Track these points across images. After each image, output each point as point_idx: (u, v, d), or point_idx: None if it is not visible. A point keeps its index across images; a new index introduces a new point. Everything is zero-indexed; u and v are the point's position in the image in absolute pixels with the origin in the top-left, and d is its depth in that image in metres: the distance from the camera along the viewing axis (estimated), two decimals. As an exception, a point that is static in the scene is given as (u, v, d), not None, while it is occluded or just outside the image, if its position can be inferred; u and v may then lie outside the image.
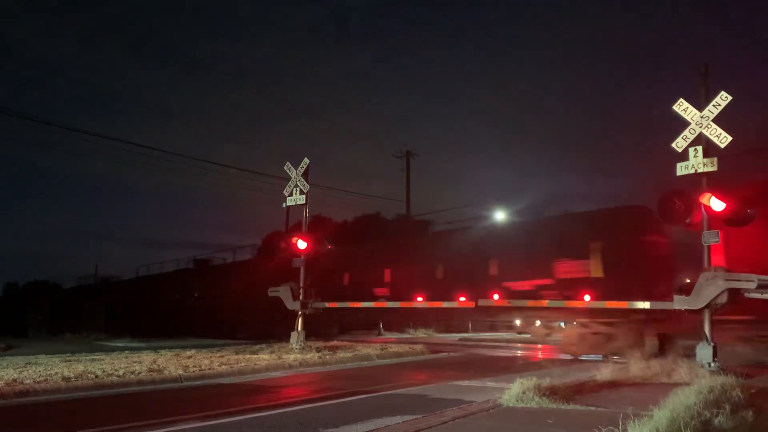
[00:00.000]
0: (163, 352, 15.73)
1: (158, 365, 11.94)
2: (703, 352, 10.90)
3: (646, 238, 14.87)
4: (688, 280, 11.44)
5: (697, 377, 9.47)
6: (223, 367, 12.10)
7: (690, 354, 11.16)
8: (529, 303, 15.81)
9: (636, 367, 10.82)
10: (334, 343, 19.10)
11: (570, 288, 14.86)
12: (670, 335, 13.78)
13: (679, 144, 11.76)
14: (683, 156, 11.73)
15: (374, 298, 19.87)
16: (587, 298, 14.00)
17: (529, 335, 19.16)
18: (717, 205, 11.06)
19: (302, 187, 17.45)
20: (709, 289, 10.91)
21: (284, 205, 17.80)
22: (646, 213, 15.22)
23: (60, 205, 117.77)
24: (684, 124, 11.72)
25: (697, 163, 11.53)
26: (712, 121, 11.39)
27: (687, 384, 8.42)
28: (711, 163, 11.39)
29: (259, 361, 13.26)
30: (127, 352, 16.00)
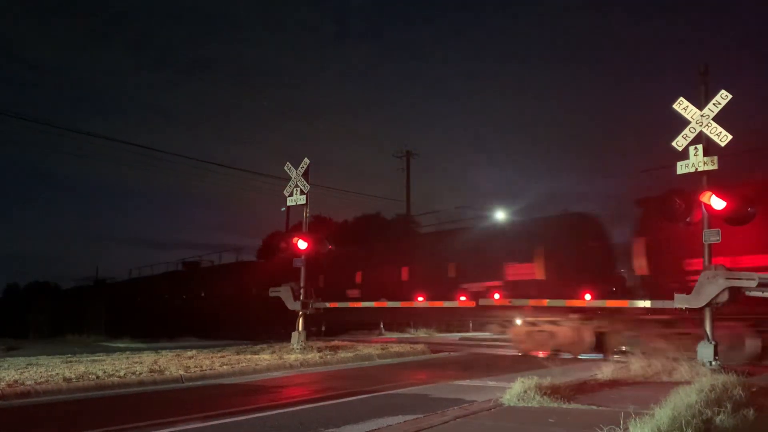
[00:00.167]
0: (164, 352, 15.73)
1: (159, 366, 11.94)
2: (704, 350, 10.89)
3: (584, 242, 16.11)
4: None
5: (698, 376, 9.47)
6: (225, 367, 12.11)
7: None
8: (531, 302, 15.86)
9: (637, 365, 10.83)
10: (335, 343, 19.10)
11: (517, 289, 16.03)
12: (607, 332, 14.81)
13: (679, 143, 11.76)
14: (683, 155, 11.73)
15: (346, 298, 19.95)
16: (589, 298, 14.20)
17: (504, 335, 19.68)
18: (717, 203, 11.06)
19: (302, 188, 17.45)
20: (710, 287, 10.91)
21: (282, 209, 17.89)
22: (587, 219, 16.83)
23: (60, 206, 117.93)
24: (684, 122, 11.72)
25: (697, 161, 11.52)
26: (713, 119, 11.39)
27: (688, 382, 8.42)
28: (711, 161, 11.39)
29: (260, 361, 13.27)
30: (127, 352, 16.00)
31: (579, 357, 15.35)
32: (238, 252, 35.25)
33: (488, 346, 20.59)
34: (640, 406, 6.33)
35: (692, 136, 11.61)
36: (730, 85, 11.47)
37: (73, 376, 10.13)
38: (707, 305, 11.02)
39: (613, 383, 9.56)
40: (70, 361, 13.10)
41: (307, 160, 17.60)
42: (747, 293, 10.95)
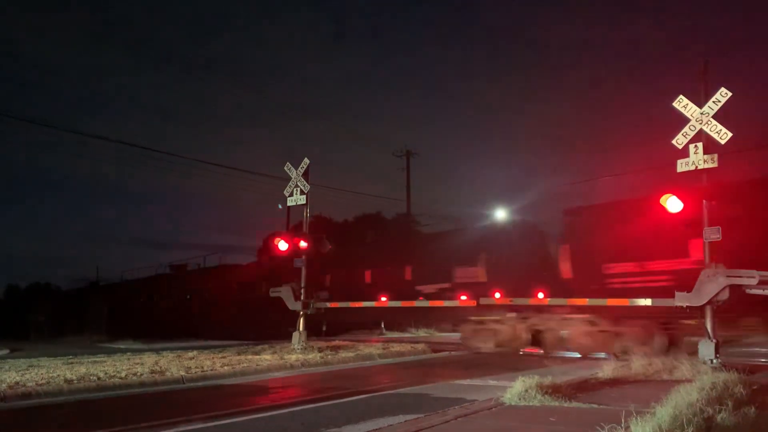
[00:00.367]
0: (164, 353, 15.73)
1: (160, 367, 11.95)
2: (705, 348, 10.89)
3: (523, 247, 17.67)
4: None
5: (699, 374, 9.47)
6: (226, 368, 12.11)
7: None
8: (530, 301, 15.92)
9: (638, 364, 10.83)
10: (336, 342, 19.12)
11: (464, 291, 17.23)
12: (542, 330, 16.08)
13: (679, 141, 11.75)
14: (684, 153, 11.73)
15: (327, 299, 20.22)
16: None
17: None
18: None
19: (302, 188, 17.45)
20: (710, 285, 10.91)
21: (279, 206, 17.94)
22: (527, 227, 18.64)
23: (60, 207, 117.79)
24: (684, 120, 11.72)
25: (697, 159, 11.52)
26: (713, 117, 11.38)
27: (689, 381, 8.42)
28: (711, 159, 11.38)
29: (261, 361, 13.27)
30: (128, 353, 16.00)
31: (586, 356, 15.39)
32: (224, 252, 35.83)
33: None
34: (642, 405, 6.33)
35: (692, 134, 11.60)
36: (729, 83, 11.49)
37: (75, 378, 10.13)
38: (708, 303, 11.02)
39: (614, 382, 9.56)
40: (71, 363, 13.11)
41: (307, 160, 17.61)
42: (747, 291, 10.95)
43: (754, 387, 7.86)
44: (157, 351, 16.94)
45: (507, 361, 14.58)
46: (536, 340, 16.17)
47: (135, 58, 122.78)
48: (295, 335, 17.04)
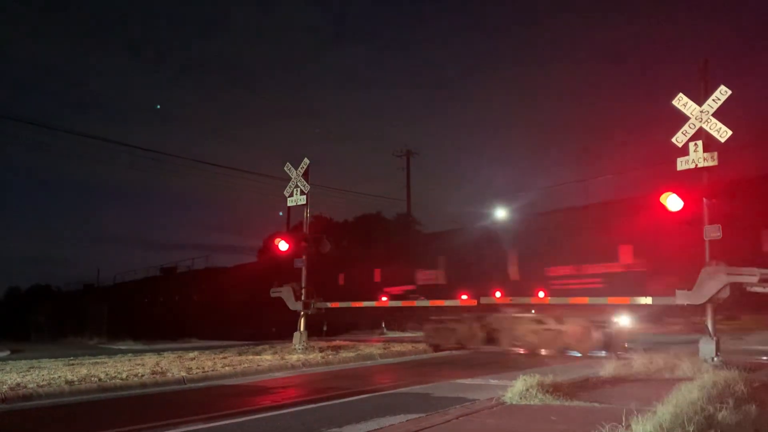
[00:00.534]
0: (165, 354, 15.74)
1: (161, 368, 11.95)
2: (706, 347, 10.89)
3: (479, 252, 18.66)
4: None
5: (700, 372, 9.46)
6: (227, 368, 12.11)
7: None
8: (531, 300, 15.97)
9: (639, 362, 10.82)
10: (337, 342, 19.13)
11: (426, 292, 18.55)
12: (496, 329, 17.05)
13: (679, 139, 11.75)
14: (684, 151, 11.72)
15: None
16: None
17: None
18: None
19: (302, 188, 17.45)
20: (711, 283, 10.91)
21: (280, 213, 18.09)
22: (483, 232, 19.61)
23: (60, 208, 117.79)
24: (684, 118, 11.71)
25: (697, 157, 11.51)
26: (712, 115, 11.38)
27: (690, 379, 8.41)
28: (711, 157, 11.38)
29: (262, 361, 13.27)
30: (129, 354, 16.01)
31: (580, 354, 15.41)
32: (225, 253, 36.33)
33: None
34: (643, 403, 6.33)
35: (692, 132, 11.60)
36: (729, 81, 11.49)
37: (76, 379, 10.14)
38: (708, 301, 11.02)
39: (615, 380, 9.55)
40: (72, 364, 13.11)
41: (307, 160, 17.61)
42: (748, 289, 10.95)
43: (755, 385, 7.85)
44: (157, 352, 16.94)
45: (508, 360, 14.58)
46: (492, 338, 17.11)
47: (133, 58, 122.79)
48: (296, 335, 17.04)
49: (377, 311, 20.71)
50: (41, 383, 9.68)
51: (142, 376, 10.81)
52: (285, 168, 17.85)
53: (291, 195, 17.65)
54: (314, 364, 13.65)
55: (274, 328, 24.92)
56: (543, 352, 15.86)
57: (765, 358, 13.68)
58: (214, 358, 13.99)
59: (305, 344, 16.67)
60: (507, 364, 13.42)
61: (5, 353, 18.34)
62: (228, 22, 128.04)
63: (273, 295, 18.22)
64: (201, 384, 10.91)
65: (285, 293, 17.81)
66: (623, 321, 15.32)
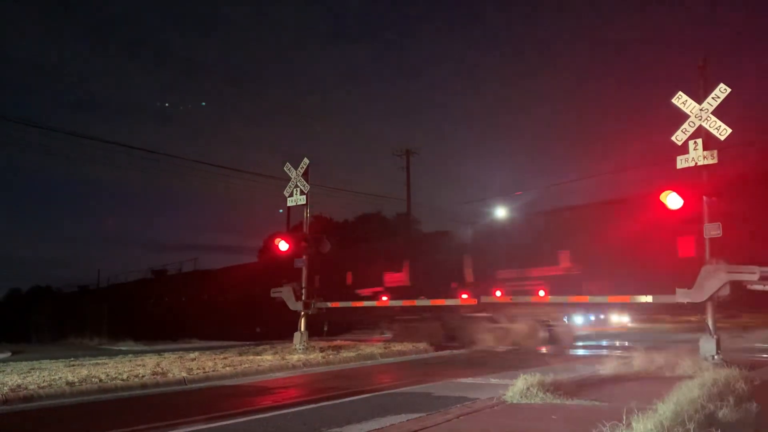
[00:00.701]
0: (166, 354, 15.74)
1: (162, 368, 11.95)
2: (707, 345, 10.89)
3: (436, 256, 20.24)
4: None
5: (701, 370, 9.47)
6: (227, 368, 12.11)
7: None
8: (532, 299, 16.03)
9: (639, 361, 10.83)
10: (338, 342, 19.13)
11: (393, 293, 19.74)
12: (453, 326, 18.42)
13: (678, 137, 11.74)
14: (683, 149, 11.72)
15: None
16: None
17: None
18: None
19: (302, 188, 17.44)
20: (711, 281, 10.91)
21: (280, 210, 18.16)
22: (445, 237, 21.16)
23: (60, 209, 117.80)
24: (683, 116, 11.71)
25: (697, 156, 11.51)
26: (712, 113, 11.37)
27: (690, 377, 8.42)
28: (711, 155, 11.38)
29: (262, 362, 13.27)
30: (130, 355, 16.01)
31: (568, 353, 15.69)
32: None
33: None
34: (643, 402, 6.33)
35: (692, 130, 11.60)
36: (729, 79, 11.49)
37: (76, 380, 10.13)
38: (709, 299, 11.02)
39: (615, 379, 9.56)
40: (73, 365, 13.11)
41: (306, 160, 17.60)
42: (748, 287, 10.95)
43: (756, 383, 7.86)
44: (158, 352, 16.94)
45: (509, 359, 14.58)
46: (451, 336, 18.39)
47: (131, 58, 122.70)
48: (297, 335, 17.04)
49: (355, 312, 21.24)
50: (42, 384, 9.68)
51: (143, 376, 10.80)
52: (285, 168, 17.84)
53: (291, 195, 17.64)
54: (315, 364, 13.65)
55: (259, 328, 26.11)
56: (499, 348, 16.71)
57: (765, 356, 13.69)
58: (214, 359, 13.99)
59: (306, 344, 16.66)
60: (508, 364, 13.42)
61: (6, 354, 18.34)
62: (227, 22, 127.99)
63: (273, 295, 18.22)
64: (202, 384, 10.91)
65: (285, 293, 17.81)
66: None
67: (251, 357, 14.46)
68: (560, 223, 17.39)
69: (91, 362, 13.79)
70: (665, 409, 5.56)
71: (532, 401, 7.37)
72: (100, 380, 10.26)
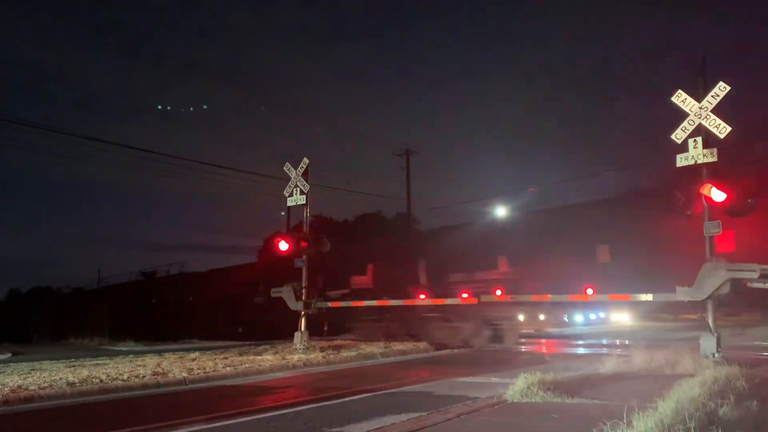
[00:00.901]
0: (166, 355, 15.74)
1: (162, 368, 11.95)
2: (707, 343, 10.89)
3: (400, 260, 22.27)
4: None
5: (701, 368, 9.46)
6: (228, 368, 12.11)
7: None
8: (532, 297, 16.05)
9: (639, 359, 10.82)
10: (338, 342, 19.12)
11: (357, 295, 20.47)
12: (412, 326, 19.64)
13: (678, 135, 11.74)
14: (683, 147, 11.71)
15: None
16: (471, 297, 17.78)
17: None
18: (717, 195, 11.04)
19: (302, 187, 17.44)
20: (712, 279, 10.90)
21: (283, 213, 18.24)
22: (402, 243, 24.00)
23: (60, 210, 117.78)
24: (683, 115, 11.70)
25: (696, 154, 11.51)
26: (711, 111, 11.37)
27: (691, 375, 8.42)
28: (711, 153, 11.37)
29: (263, 362, 13.27)
30: (131, 356, 16.01)
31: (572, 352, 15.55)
32: (227, 253, 37.21)
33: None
34: (644, 400, 6.32)
35: (691, 128, 11.59)
36: (729, 77, 11.49)
37: (77, 381, 10.14)
38: (709, 297, 11.02)
39: (616, 377, 9.55)
40: (74, 366, 13.11)
41: (306, 160, 17.60)
42: (749, 285, 10.95)
43: (756, 381, 7.85)
44: (158, 353, 16.94)
45: (509, 359, 14.59)
46: (410, 334, 19.44)
47: (131, 60, 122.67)
48: (297, 335, 17.04)
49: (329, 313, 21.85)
50: (43, 385, 9.68)
51: (144, 377, 10.81)
52: (284, 168, 17.83)
53: (291, 195, 17.64)
54: (315, 363, 13.65)
55: (241, 329, 26.87)
56: (602, 351, 16.31)
57: (766, 353, 13.69)
58: (215, 359, 13.99)
59: (306, 344, 16.66)
60: (508, 363, 13.43)
61: (6, 355, 18.34)
62: (224, 23, 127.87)
63: (274, 295, 18.20)
64: (202, 384, 10.91)
65: (285, 293, 17.80)
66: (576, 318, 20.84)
67: (252, 357, 14.46)
68: (498, 231, 20.33)
69: (92, 363, 13.80)
70: (666, 407, 5.56)
71: (533, 400, 7.36)
72: (101, 381, 10.26)
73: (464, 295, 17.45)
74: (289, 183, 17.65)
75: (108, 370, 11.62)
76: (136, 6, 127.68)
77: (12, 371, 12.00)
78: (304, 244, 17.18)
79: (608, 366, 10.36)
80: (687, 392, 6.35)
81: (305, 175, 17.48)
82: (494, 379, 10.34)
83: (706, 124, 11.37)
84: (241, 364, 12.69)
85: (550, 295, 15.41)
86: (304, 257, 17.42)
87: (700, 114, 11.46)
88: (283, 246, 17.19)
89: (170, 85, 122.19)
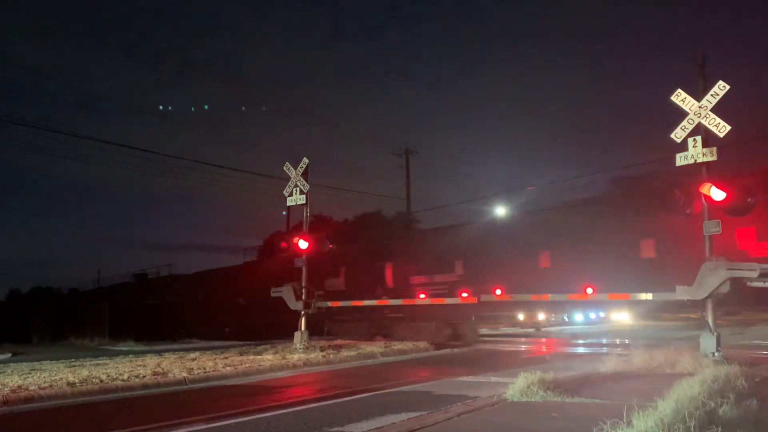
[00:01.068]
0: (166, 355, 15.74)
1: (162, 368, 11.95)
2: (707, 342, 10.89)
3: (369, 263, 23.04)
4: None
5: (701, 367, 9.46)
6: (228, 368, 12.11)
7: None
8: (532, 297, 16.08)
9: (639, 358, 10.82)
10: (338, 341, 19.12)
11: (330, 297, 21.28)
12: (380, 325, 20.97)
13: (677, 134, 11.73)
14: (683, 146, 11.71)
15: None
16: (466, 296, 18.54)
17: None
18: (717, 194, 11.04)
19: (302, 187, 17.43)
20: (711, 278, 10.90)
21: (283, 213, 18.23)
22: (372, 247, 24.10)
23: (60, 210, 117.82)
24: (683, 114, 11.70)
25: (696, 153, 11.51)
26: (711, 110, 11.36)
27: (691, 374, 8.42)
28: (710, 152, 11.37)
29: (263, 361, 13.27)
30: (131, 356, 16.00)
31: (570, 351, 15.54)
32: (243, 253, 37.69)
33: (491, 342, 20.60)
34: (644, 399, 6.32)
35: (691, 127, 11.59)
36: (729, 76, 11.48)
37: (77, 381, 10.13)
38: (709, 296, 11.02)
39: (616, 376, 9.55)
40: (74, 366, 13.11)
41: (306, 160, 17.59)
42: (748, 284, 10.95)
43: (756, 379, 7.85)
44: (158, 353, 16.93)
45: (509, 358, 14.60)
46: (379, 333, 20.54)
47: (131, 60, 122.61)
48: (297, 335, 17.04)
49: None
50: (43, 385, 9.67)
51: (144, 377, 10.80)
52: (284, 168, 17.83)
53: (290, 194, 17.63)
54: (315, 363, 13.65)
55: (227, 328, 27.34)
56: (602, 350, 16.68)
57: (766, 352, 13.70)
58: (215, 359, 13.99)
59: (306, 343, 16.66)
60: (508, 362, 13.43)
61: (6, 355, 18.33)
62: (224, 23, 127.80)
63: (273, 294, 18.21)
64: (202, 384, 10.91)
65: (285, 293, 17.80)
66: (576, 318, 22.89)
67: (252, 357, 14.46)
68: (455, 236, 21.49)
69: (92, 363, 13.79)
70: (666, 406, 5.56)
71: (533, 399, 7.37)
72: (101, 381, 10.26)
73: (464, 294, 17.48)
74: (289, 183, 17.64)
75: (108, 370, 11.62)
76: (136, 6, 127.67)
77: (12, 371, 11.99)
78: (303, 243, 17.18)
79: (608, 365, 10.35)
80: (687, 391, 6.35)
81: (305, 174, 17.47)
82: (494, 379, 10.34)
83: (706, 123, 11.37)
84: (242, 364, 12.69)
85: (550, 295, 15.43)
86: (303, 257, 17.42)
87: (700, 113, 11.46)
88: (284, 246, 17.22)
89: (170, 85, 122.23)
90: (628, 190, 20.66)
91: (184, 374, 11.24)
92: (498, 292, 16.83)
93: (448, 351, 17.24)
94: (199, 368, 11.97)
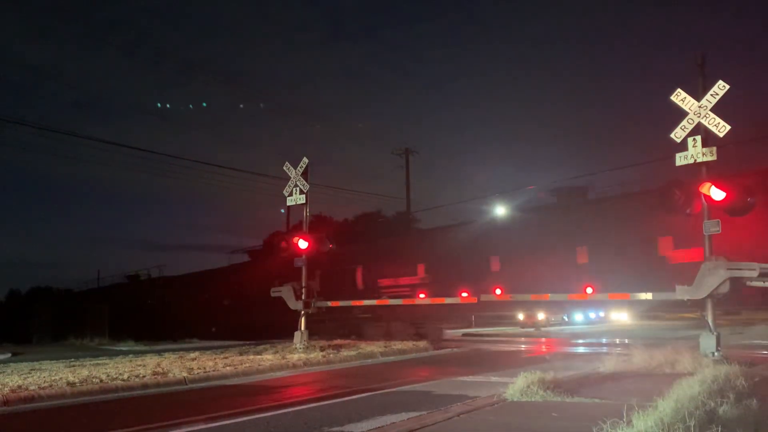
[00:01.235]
0: (166, 354, 15.73)
1: (162, 368, 11.95)
2: (707, 341, 10.89)
3: (346, 267, 24.32)
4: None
5: (701, 367, 9.46)
6: (228, 368, 12.11)
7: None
8: (532, 296, 16.08)
9: (639, 358, 10.82)
10: (338, 341, 19.12)
11: (308, 297, 20.94)
12: (351, 325, 22.05)
13: (677, 134, 11.73)
14: (682, 146, 11.71)
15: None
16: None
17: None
18: (717, 194, 11.04)
19: (302, 187, 17.42)
20: (711, 278, 10.90)
21: (282, 210, 18.23)
22: (344, 251, 24.58)
23: (60, 210, 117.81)
24: (682, 114, 11.69)
25: (696, 152, 11.50)
26: (710, 110, 11.36)
27: (691, 374, 8.42)
28: (710, 152, 11.37)
29: (263, 361, 13.27)
30: (130, 355, 16.00)
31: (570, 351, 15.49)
32: (244, 253, 37.90)
33: (491, 342, 20.61)
34: (644, 399, 6.33)
35: (690, 127, 11.58)
36: (729, 75, 11.47)
37: (77, 381, 10.13)
38: (708, 296, 11.02)
39: (615, 376, 9.56)
40: (74, 366, 13.10)
41: (306, 160, 17.58)
42: (748, 283, 10.95)
43: (756, 379, 7.86)
44: (158, 352, 16.93)
45: (509, 358, 14.61)
46: (351, 332, 21.39)
47: (130, 60, 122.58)
48: (297, 334, 17.04)
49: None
50: (43, 385, 9.67)
51: (144, 376, 10.80)
52: (284, 168, 17.82)
53: (290, 194, 17.62)
54: (315, 363, 13.65)
55: (214, 328, 27.83)
56: (602, 350, 16.94)
57: (765, 352, 13.71)
58: (215, 359, 13.98)
59: (306, 343, 16.66)
60: (508, 362, 13.43)
61: (6, 355, 18.32)
62: (224, 23, 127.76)
63: (273, 294, 18.21)
64: (202, 384, 10.91)
65: (285, 293, 17.80)
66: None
67: (252, 356, 14.46)
68: (419, 241, 23.48)
69: (92, 363, 13.79)
70: (665, 406, 5.56)
71: (533, 399, 7.37)
72: (101, 381, 10.26)
73: (464, 294, 17.49)
74: (289, 182, 17.64)
75: (108, 370, 11.61)
76: (136, 6, 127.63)
77: (12, 371, 11.99)
78: (303, 243, 17.18)
79: (608, 365, 10.36)
80: (687, 391, 6.35)
81: (305, 174, 17.46)
82: (494, 378, 10.34)
83: (706, 123, 11.37)
84: (241, 364, 12.69)
85: (549, 294, 15.44)
86: (303, 257, 17.41)
87: (700, 113, 11.45)
88: (284, 245, 17.21)
89: (170, 85, 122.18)
90: (568, 200, 22.08)
91: (184, 374, 11.24)
92: (498, 291, 16.82)
93: (447, 351, 17.24)
94: (199, 368, 11.97)
